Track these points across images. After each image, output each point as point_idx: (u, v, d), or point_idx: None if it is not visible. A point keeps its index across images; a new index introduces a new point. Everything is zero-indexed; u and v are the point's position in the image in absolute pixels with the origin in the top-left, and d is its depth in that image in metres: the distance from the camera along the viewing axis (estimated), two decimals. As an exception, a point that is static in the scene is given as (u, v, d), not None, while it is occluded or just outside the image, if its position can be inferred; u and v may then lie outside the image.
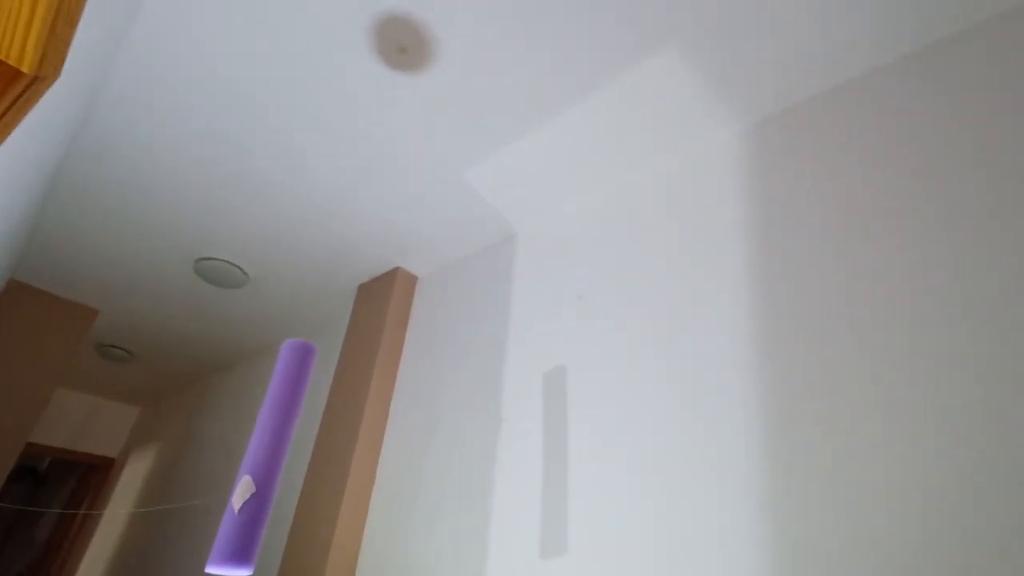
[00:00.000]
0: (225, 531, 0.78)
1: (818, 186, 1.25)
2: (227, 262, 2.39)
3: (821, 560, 0.92)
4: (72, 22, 0.80)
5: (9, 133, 0.89)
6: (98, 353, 3.51)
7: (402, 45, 1.38)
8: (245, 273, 2.45)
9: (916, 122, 1.16)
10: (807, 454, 1.01)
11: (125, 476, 4.13)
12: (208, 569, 0.75)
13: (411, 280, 2.34)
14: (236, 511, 0.79)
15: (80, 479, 4.42)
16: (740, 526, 1.03)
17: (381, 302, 2.26)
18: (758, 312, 1.21)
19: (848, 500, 0.94)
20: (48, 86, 0.91)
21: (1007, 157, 1.01)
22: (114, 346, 3.39)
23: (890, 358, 0.99)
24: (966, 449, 0.87)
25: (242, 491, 0.80)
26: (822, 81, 1.35)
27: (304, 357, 0.92)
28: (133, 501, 3.75)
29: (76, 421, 4.33)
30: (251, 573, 0.78)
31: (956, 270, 0.98)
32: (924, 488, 0.88)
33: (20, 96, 0.87)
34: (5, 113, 0.87)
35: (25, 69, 0.84)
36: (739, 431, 1.12)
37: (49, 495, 4.86)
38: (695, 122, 1.50)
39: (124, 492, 3.99)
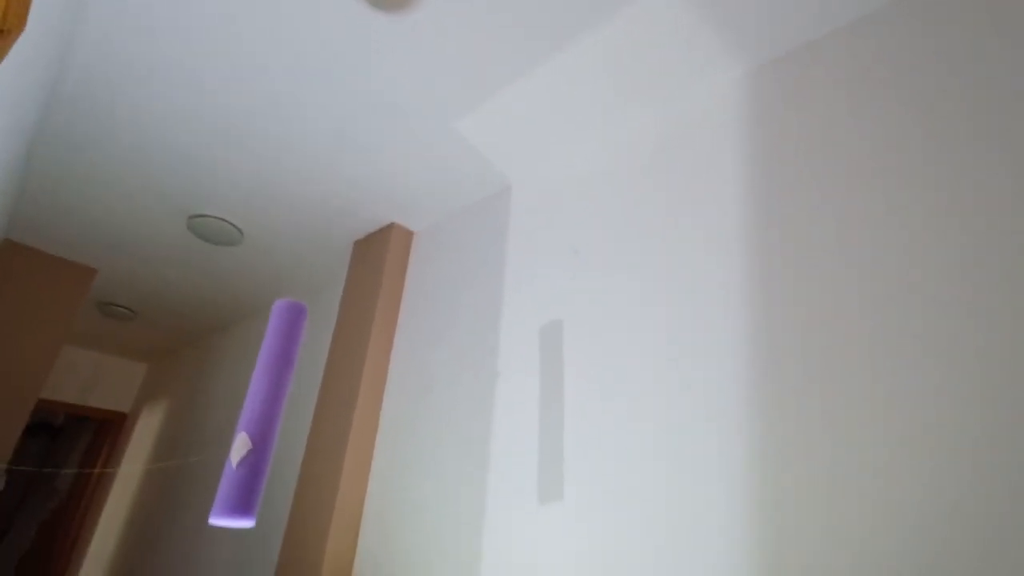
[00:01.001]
0: (225, 485, 0.81)
1: (815, 134, 1.21)
2: (221, 219, 2.36)
3: (809, 519, 0.95)
4: (29, -34, 0.75)
5: (-23, 88, 0.85)
6: (100, 312, 3.53)
7: (387, -14, 1.30)
8: (239, 230, 2.43)
9: (914, 65, 1.11)
10: (798, 399, 1.03)
11: (138, 430, 4.26)
12: (211, 521, 0.78)
13: (407, 235, 2.32)
14: (235, 466, 0.81)
15: (95, 433, 4.56)
16: (735, 472, 1.06)
17: (377, 258, 2.25)
18: (753, 265, 1.20)
19: (841, 464, 0.96)
20: (14, 39, 0.87)
21: (1014, 111, 0.97)
22: (116, 304, 3.41)
23: (888, 311, 0.99)
24: (966, 445, 0.87)
25: (239, 447, 0.82)
26: (819, 26, 1.28)
27: (295, 317, 0.92)
28: (147, 453, 3.88)
29: (86, 378, 4.42)
30: (253, 524, 0.81)
31: (960, 227, 0.96)
32: (921, 481, 0.89)
33: (-16, 49, 0.83)
34: (-30, 67, 0.83)
35: (-15, 20, 0.79)
36: (732, 382, 1.13)
37: (65, 449, 5.02)
38: (690, 68, 1.43)
39: (138, 445, 4.12)
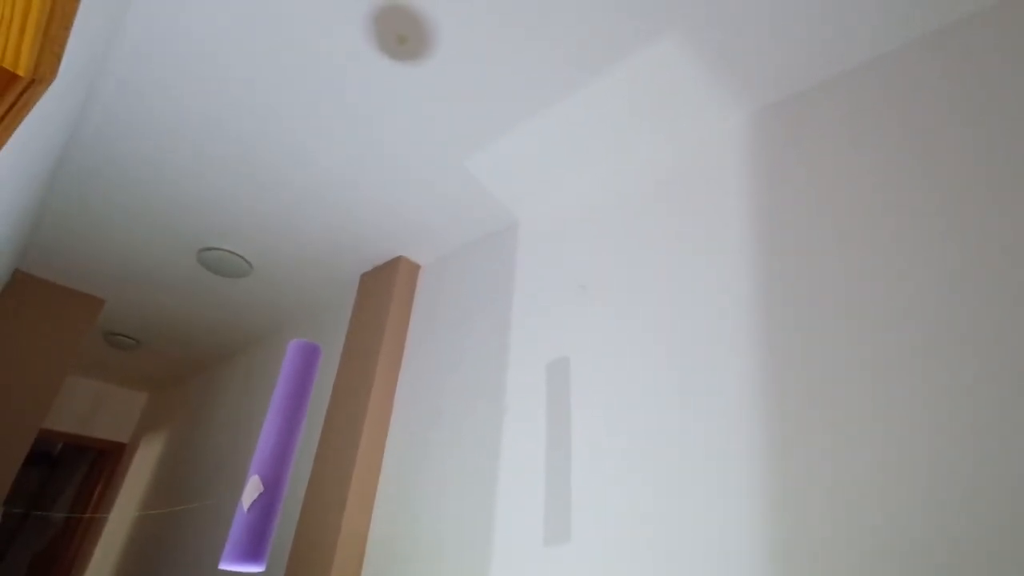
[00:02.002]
0: (237, 529, 0.80)
1: (819, 175, 1.24)
2: (230, 252, 2.39)
3: (816, 550, 0.94)
4: (66, 25, 0.79)
5: (10, 135, 0.88)
6: (106, 341, 3.54)
7: (401, 35, 1.36)
8: (248, 263, 2.46)
9: (921, 110, 1.14)
10: (806, 442, 1.02)
11: (136, 461, 4.21)
12: (222, 566, 0.77)
13: (414, 269, 2.34)
14: (246, 510, 0.81)
15: (92, 463, 4.51)
16: (741, 513, 1.05)
17: (384, 291, 2.27)
18: (759, 301, 1.21)
19: (843, 489, 0.95)
20: (45, 88, 0.90)
21: (1012, 147, 0.99)
22: (121, 334, 3.42)
23: (891, 350, 0.99)
24: (966, 443, 0.87)
25: (251, 491, 0.82)
26: (825, 69, 1.32)
27: (310, 357, 0.93)
28: (145, 484, 3.83)
29: (87, 407, 4.39)
30: (263, 569, 0.80)
31: (960, 263, 0.98)
32: (921, 480, 0.89)
33: (19, 99, 0.87)
34: (4, 116, 0.86)
35: (22, 73, 0.83)
36: (739, 419, 1.13)
37: (63, 478, 4.96)
38: (696, 110, 1.48)
39: (136, 476, 4.07)
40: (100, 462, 4.44)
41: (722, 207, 1.40)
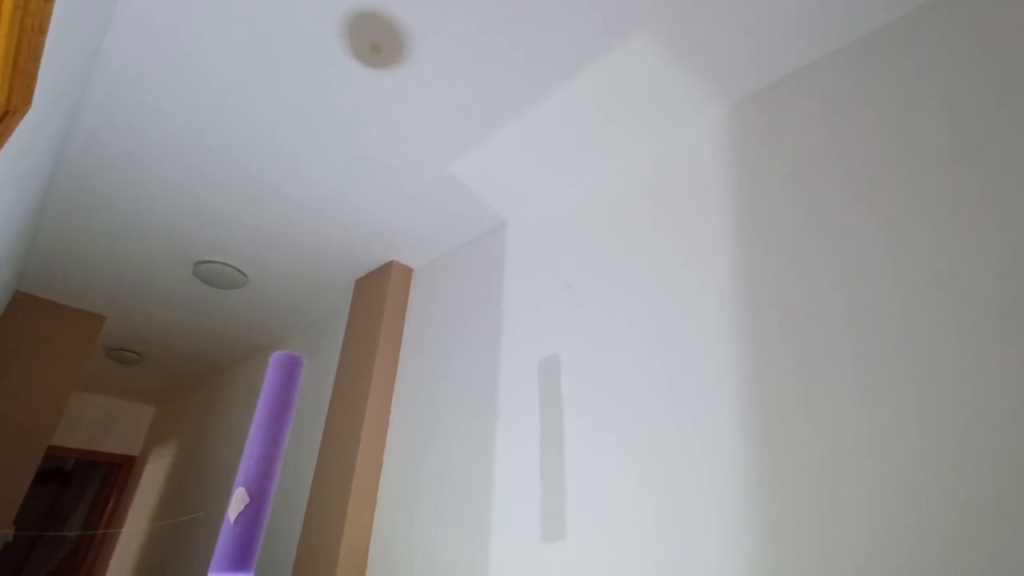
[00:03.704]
0: (224, 541, 0.82)
1: (798, 166, 1.25)
2: (225, 264, 2.41)
3: (803, 540, 0.95)
4: (35, 57, 0.81)
5: (-13, 166, 0.90)
6: (109, 356, 3.58)
7: (375, 43, 1.37)
8: (244, 274, 2.48)
9: (894, 96, 1.14)
10: (790, 438, 1.03)
11: (147, 473, 4.26)
12: (210, 578, 0.79)
13: (406, 272, 2.36)
14: (232, 522, 0.83)
15: (104, 477, 4.56)
16: (730, 504, 1.06)
17: (378, 296, 2.29)
18: (744, 298, 1.22)
19: (830, 477, 0.96)
20: (19, 119, 0.92)
21: (987, 133, 1.00)
22: (123, 349, 3.46)
23: (875, 345, 1.00)
24: (952, 437, 0.88)
25: (237, 503, 0.84)
26: (797, 58, 1.32)
27: (291, 369, 0.95)
28: (156, 496, 3.88)
29: (95, 422, 4.45)
30: (251, 579, 0.82)
31: (939, 253, 0.98)
32: (906, 474, 0.90)
33: (-7, 130, 0.88)
34: (-20, 148, 0.88)
35: (-6, 105, 0.85)
36: (726, 412, 1.14)
37: (76, 493, 5.02)
38: (673, 106, 1.48)
39: (147, 488, 4.12)
40: (112, 475, 4.50)
41: (703, 204, 1.41)
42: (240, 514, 0.82)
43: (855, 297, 1.05)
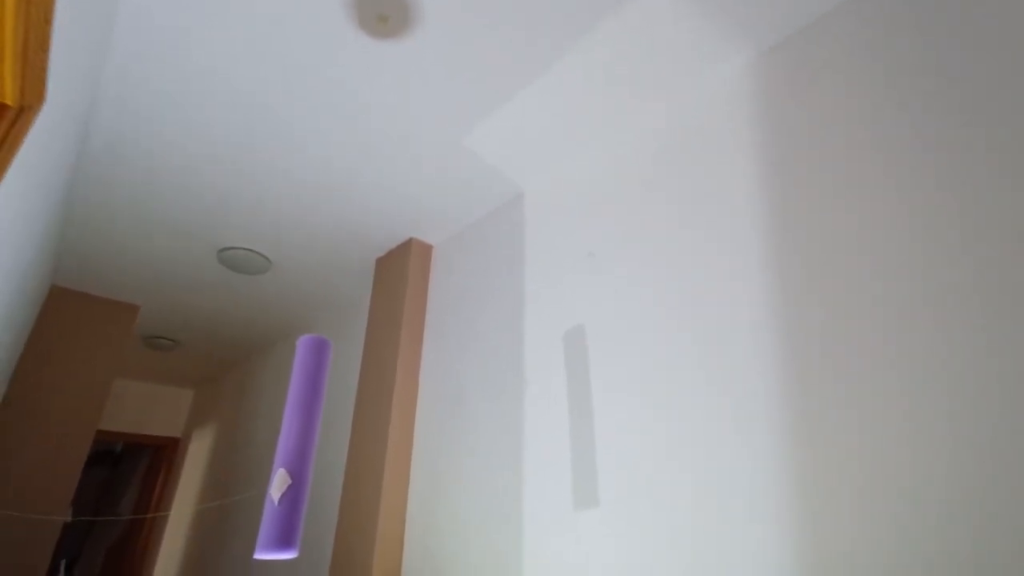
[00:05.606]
0: (268, 520, 0.84)
1: (827, 118, 1.18)
2: (248, 250, 2.44)
3: (844, 505, 0.94)
4: (43, 48, 0.80)
5: (8, 165, 0.91)
6: (146, 344, 3.70)
7: (381, 13, 1.32)
8: (267, 259, 2.51)
9: (922, 35, 1.06)
10: (824, 400, 1.01)
11: (191, 452, 4.45)
12: (256, 556, 0.82)
13: (426, 249, 2.35)
14: (276, 502, 0.85)
15: (152, 458, 4.78)
16: (759, 469, 1.05)
17: (399, 274, 2.29)
18: (771, 258, 1.18)
19: (868, 449, 0.94)
20: (35, 113, 0.92)
21: (1040, 66, 0.92)
22: (159, 337, 3.56)
23: (911, 304, 0.96)
24: (988, 420, 0.84)
25: (279, 483, 0.86)
26: (823, 2, 1.24)
27: (320, 351, 0.95)
28: (201, 474, 4.05)
29: (139, 407, 4.64)
30: (296, 555, 0.85)
31: (973, 201, 0.93)
32: (945, 446, 0.87)
33: (12, 128, 0.89)
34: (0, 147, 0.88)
35: (9, 102, 0.85)
36: (757, 377, 1.11)
37: (126, 474, 5.28)
38: (695, 59, 1.41)
39: (192, 467, 4.30)
40: (158, 456, 4.71)
41: (726, 165, 1.35)
42: (283, 494, 0.84)
43: (892, 254, 1.00)
